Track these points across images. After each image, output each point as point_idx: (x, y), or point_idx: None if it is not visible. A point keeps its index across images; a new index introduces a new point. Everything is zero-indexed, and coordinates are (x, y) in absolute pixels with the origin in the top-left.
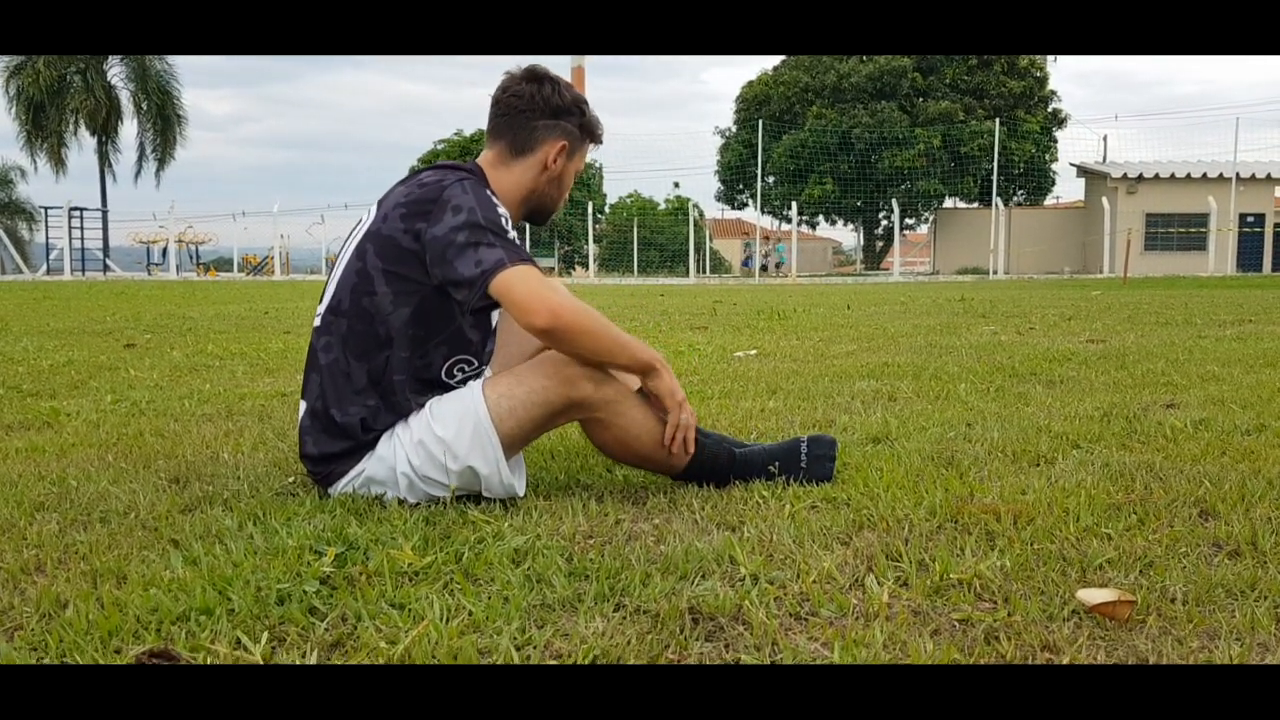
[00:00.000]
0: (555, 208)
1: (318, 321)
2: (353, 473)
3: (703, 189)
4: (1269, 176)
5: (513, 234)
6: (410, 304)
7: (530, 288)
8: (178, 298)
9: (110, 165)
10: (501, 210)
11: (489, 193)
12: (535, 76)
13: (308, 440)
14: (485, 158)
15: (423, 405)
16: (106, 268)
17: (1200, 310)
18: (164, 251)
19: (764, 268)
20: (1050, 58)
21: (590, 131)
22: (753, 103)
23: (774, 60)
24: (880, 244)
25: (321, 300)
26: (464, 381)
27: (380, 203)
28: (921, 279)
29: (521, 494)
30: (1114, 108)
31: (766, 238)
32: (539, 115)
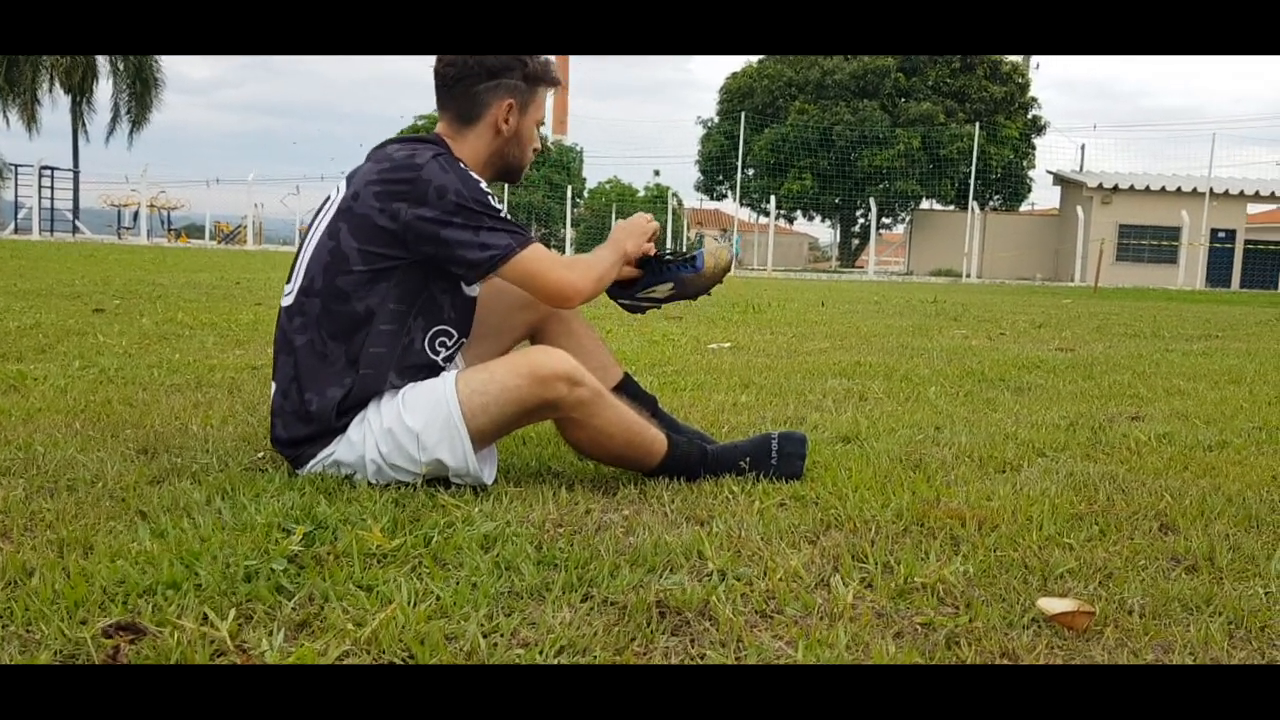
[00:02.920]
0: (524, 164)
1: (288, 301)
2: (322, 454)
3: (683, 178)
4: (1241, 193)
5: (502, 208)
6: (388, 279)
7: (548, 271)
8: (148, 263)
9: (84, 125)
10: (484, 185)
11: (463, 166)
12: None
13: (278, 423)
14: (441, 129)
15: (398, 389)
16: (76, 229)
17: (1168, 323)
18: (135, 215)
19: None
20: (1033, 64)
21: (539, 79)
22: (736, 94)
23: None
24: (856, 242)
25: (290, 280)
26: (450, 357)
27: (350, 179)
28: (895, 279)
29: (490, 482)
30: (1095, 116)
31: (724, 229)
32: (478, 80)
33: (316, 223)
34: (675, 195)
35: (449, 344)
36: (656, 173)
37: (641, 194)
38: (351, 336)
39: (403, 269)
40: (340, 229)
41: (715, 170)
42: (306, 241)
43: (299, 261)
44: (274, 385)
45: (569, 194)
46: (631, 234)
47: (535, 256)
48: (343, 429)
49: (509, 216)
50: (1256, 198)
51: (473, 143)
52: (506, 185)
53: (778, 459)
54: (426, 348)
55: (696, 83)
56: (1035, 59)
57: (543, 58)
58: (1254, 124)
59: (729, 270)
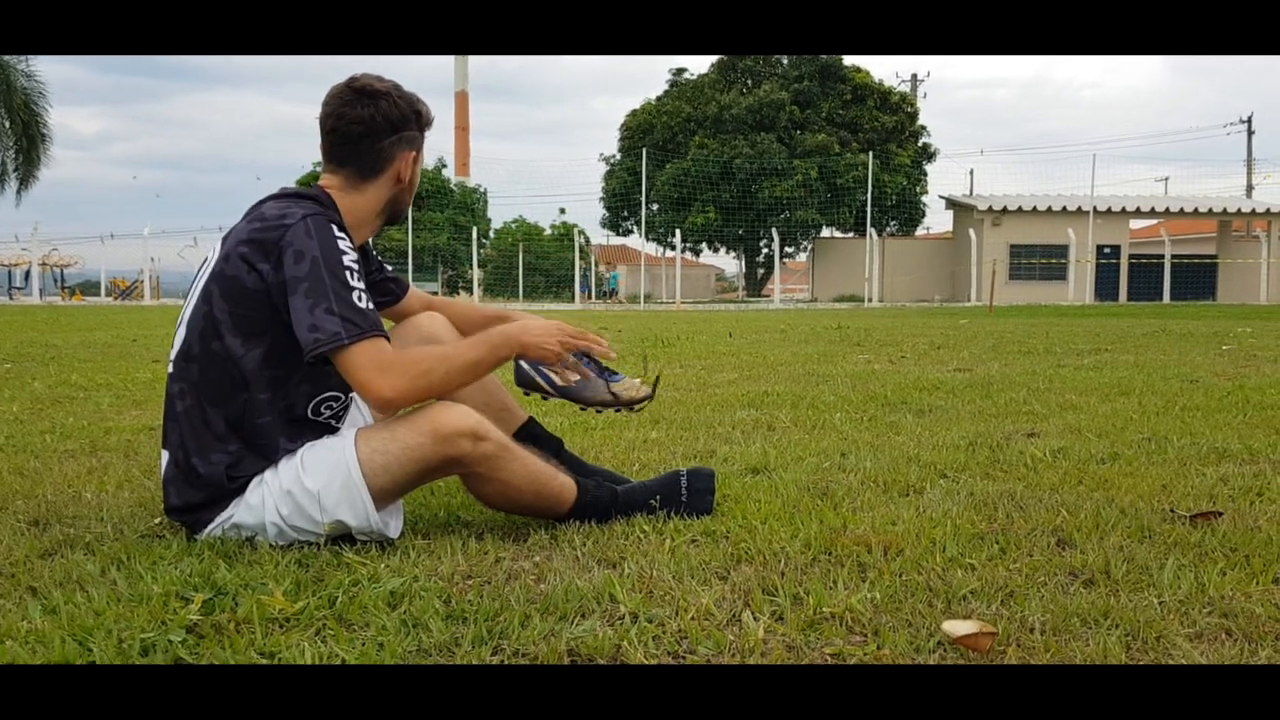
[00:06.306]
0: (409, 205)
1: (171, 368)
2: (220, 518)
3: (589, 215)
4: (1124, 210)
5: (356, 286)
6: (262, 344)
7: (359, 371)
8: (41, 324)
9: None
10: (348, 257)
11: (334, 229)
12: (368, 93)
13: (171, 491)
14: (331, 183)
15: (293, 451)
16: None
17: (1060, 339)
18: (26, 275)
19: (605, 295)
20: (920, 93)
21: (428, 124)
22: (637, 131)
23: (657, 90)
24: (761, 271)
25: (174, 344)
26: (336, 416)
27: (225, 239)
28: (801, 306)
29: (396, 537)
30: (981, 141)
31: (608, 264)
32: (384, 135)
33: (194, 284)
34: (581, 232)
35: (335, 406)
36: (562, 211)
37: (548, 233)
38: (230, 402)
39: (275, 333)
40: (213, 292)
41: (620, 206)
42: (185, 303)
43: (179, 324)
44: (164, 453)
45: (475, 235)
46: (540, 333)
47: (358, 355)
48: (237, 491)
49: (362, 300)
50: (1138, 214)
51: (372, 196)
52: (410, 228)
53: (688, 495)
54: (310, 413)
55: (599, 121)
56: (922, 89)
57: (424, 104)
58: (1132, 143)
59: (631, 405)
